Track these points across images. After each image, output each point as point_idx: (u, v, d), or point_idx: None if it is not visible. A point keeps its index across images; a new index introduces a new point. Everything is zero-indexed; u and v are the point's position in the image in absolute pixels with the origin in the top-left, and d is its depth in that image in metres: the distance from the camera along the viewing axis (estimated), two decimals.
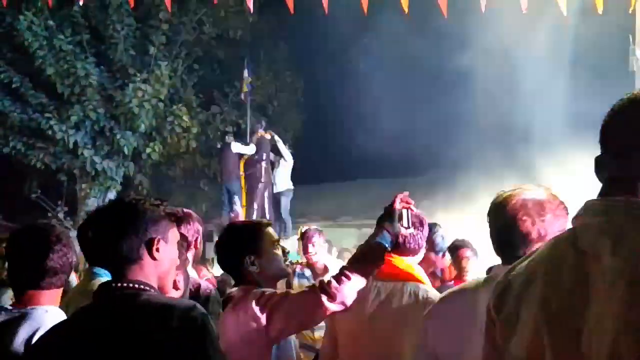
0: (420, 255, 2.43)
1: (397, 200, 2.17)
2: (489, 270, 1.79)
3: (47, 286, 1.92)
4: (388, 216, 2.16)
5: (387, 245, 2.13)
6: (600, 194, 1.13)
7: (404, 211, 2.18)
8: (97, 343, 1.49)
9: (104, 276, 2.14)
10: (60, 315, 1.91)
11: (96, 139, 11.67)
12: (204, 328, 1.47)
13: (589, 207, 1.13)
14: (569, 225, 1.19)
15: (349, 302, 2.09)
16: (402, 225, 2.18)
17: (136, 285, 1.56)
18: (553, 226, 1.64)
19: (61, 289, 1.97)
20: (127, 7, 11.00)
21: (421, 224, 2.43)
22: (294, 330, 2.21)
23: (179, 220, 1.72)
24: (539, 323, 1.09)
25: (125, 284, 1.56)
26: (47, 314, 1.88)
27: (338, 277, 2.08)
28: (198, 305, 1.52)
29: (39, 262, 1.90)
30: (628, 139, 1.10)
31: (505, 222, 1.68)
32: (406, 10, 7.59)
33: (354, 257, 2.16)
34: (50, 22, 11.04)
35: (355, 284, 2.08)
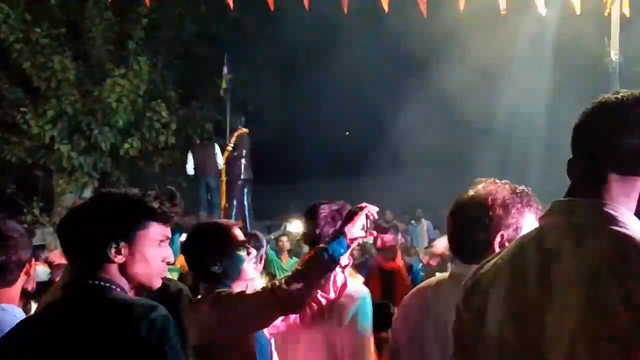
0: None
1: (365, 210, 2.17)
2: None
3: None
4: (349, 221, 2.16)
5: (342, 251, 2.13)
6: (567, 195, 1.15)
7: (363, 217, 2.18)
8: (58, 339, 1.47)
9: None
10: (17, 314, 1.88)
11: (73, 134, 11.51)
12: (163, 330, 1.44)
13: (554, 207, 1.15)
14: (536, 222, 1.21)
15: (299, 304, 2.13)
16: (361, 230, 2.19)
17: (102, 283, 1.54)
18: (517, 222, 1.64)
19: (15, 287, 1.92)
20: (105, 1, 10.86)
21: (341, 218, 2.46)
22: (247, 330, 2.20)
23: (167, 217, 1.66)
24: (503, 319, 1.11)
25: (91, 281, 1.54)
26: (4, 312, 1.86)
27: (289, 280, 2.10)
28: (159, 307, 1.49)
29: None
30: (594, 142, 1.12)
31: (464, 221, 1.68)
32: (386, 9, 7.61)
33: (307, 260, 2.17)
34: (27, 16, 10.86)
35: (307, 286, 2.09)
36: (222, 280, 2.24)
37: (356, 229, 2.15)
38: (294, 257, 7.59)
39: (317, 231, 2.55)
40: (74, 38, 11.68)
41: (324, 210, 2.57)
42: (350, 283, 2.41)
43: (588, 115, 1.13)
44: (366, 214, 2.18)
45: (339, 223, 2.47)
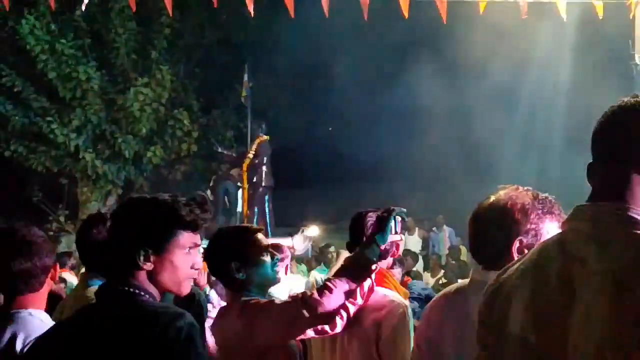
0: (389, 260, 2.40)
1: (393, 213, 2.12)
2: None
3: (23, 290, 1.89)
4: (380, 228, 2.11)
5: (375, 259, 2.08)
6: (589, 200, 1.14)
7: (393, 220, 2.13)
8: (87, 345, 1.49)
9: (99, 281, 2.14)
10: (44, 318, 1.91)
11: (97, 142, 11.68)
12: (189, 338, 1.44)
13: (577, 212, 1.14)
14: (558, 228, 1.20)
15: (330, 315, 2.05)
16: (392, 234, 2.14)
17: (131, 290, 1.55)
18: (537, 228, 1.63)
19: (41, 292, 1.95)
20: (129, 12, 11.02)
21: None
22: (277, 340, 2.15)
23: (197, 224, 1.62)
24: (526, 324, 1.11)
25: (120, 287, 1.56)
26: (31, 317, 1.89)
27: (321, 290, 2.05)
28: (186, 315, 1.49)
29: (4, 267, 1.87)
30: (616, 146, 1.11)
31: (483, 226, 1.68)
32: (406, 15, 7.60)
33: (341, 269, 2.12)
34: (52, 26, 11.07)
35: (338, 297, 2.03)
36: (247, 286, 2.19)
37: (387, 234, 2.10)
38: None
39: (365, 239, 2.53)
40: (99, 48, 11.87)
41: (371, 217, 2.50)
42: (391, 294, 2.30)
43: (608, 119, 1.13)
44: (395, 217, 2.13)
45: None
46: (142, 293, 1.55)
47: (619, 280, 1.00)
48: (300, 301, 2.05)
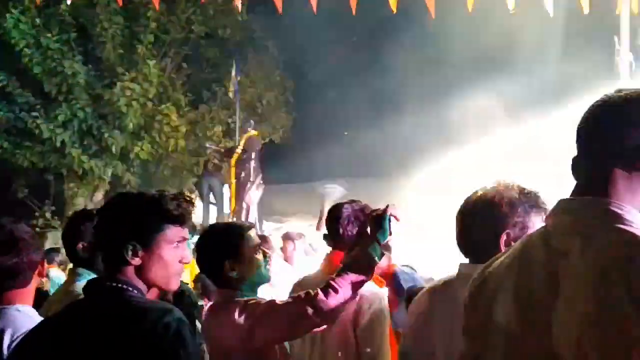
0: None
1: (388, 212, 2.09)
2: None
3: (10, 286, 1.88)
4: (379, 226, 2.08)
5: (377, 258, 2.07)
6: (573, 193, 1.16)
7: (388, 219, 2.11)
8: (75, 341, 1.49)
9: (87, 276, 2.14)
10: (32, 314, 1.90)
11: (84, 138, 11.61)
12: (178, 334, 1.43)
13: (560, 205, 1.16)
14: (543, 222, 1.22)
15: (335, 316, 2.04)
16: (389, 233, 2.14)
17: (119, 285, 1.55)
18: (524, 222, 1.64)
19: (28, 288, 1.94)
20: (115, 6, 10.94)
21: (365, 217, 2.44)
22: (279, 341, 2.15)
23: (184, 218, 1.63)
24: (511, 317, 1.12)
25: (108, 283, 1.56)
26: (19, 313, 1.88)
27: (325, 290, 2.02)
28: (175, 310, 1.49)
29: None
30: (599, 140, 1.13)
31: (470, 219, 1.69)
32: (394, 10, 7.61)
33: (343, 268, 2.09)
34: (37, 21, 10.96)
35: (343, 297, 2.02)
36: (239, 285, 2.16)
37: (387, 232, 2.08)
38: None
39: (341, 231, 2.53)
40: (85, 43, 11.78)
41: (347, 210, 2.55)
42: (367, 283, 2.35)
43: (591, 113, 1.14)
44: (389, 216, 2.10)
45: (362, 224, 2.45)
46: (130, 288, 1.55)
47: (601, 274, 1.01)
48: (305, 301, 2.01)
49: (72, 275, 2.39)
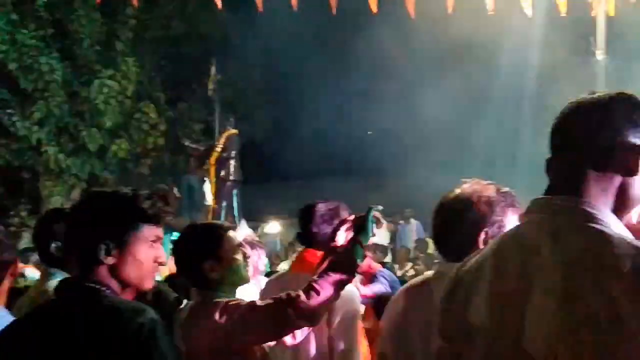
0: None
1: (370, 215, 2.09)
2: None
3: None
4: (361, 227, 2.07)
5: (359, 260, 2.06)
6: (546, 193, 1.18)
7: (371, 221, 2.10)
8: (46, 341, 1.47)
9: (59, 277, 2.10)
10: (4, 314, 1.88)
11: (60, 135, 11.46)
12: (151, 335, 1.42)
13: (534, 205, 1.18)
14: (517, 221, 1.24)
15: (316, 317, 2.03)
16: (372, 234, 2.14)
17: (91, 285, 1.52)
18: (501, 220, 1.66)
19: (1, 288, 1.91)
20: (93, 2, 10.80)
21: (338, 216, 2.49)
22: (259, 342, 2.13)
23: (159, 217, 1.62)
24: (485, 316, 1.13)
25: (81, 283, 1.53)
26: None
27: (307, 291, 2.00)
28: (148, 310, 1.47)
29: None
30: (572, 142, 1.15)
31: (449, 218, 1.70)
32: (374, 10, 7.63)
33: (325, 269, 2.07)
34: (13, 16, 10.78)
35: (325, 298, 2.00)
36: (219, 287, 2.13)
37: (369, 233, 2.08)
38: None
39: (314, 230, 2.54)
40: (61, 39, 11.61)
41: (321, 209, 2.56)
42: None
43: (564, 115, 1.17)
44: (372, 216, 2.10)
45: (337, 222, 2.46)
46: (104, 288, 1.53)
47: (569, 273, 1.03)
48: (286, 302, 1.99)
49: (45, 276, 2.35)
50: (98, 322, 1.46)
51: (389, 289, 3.36)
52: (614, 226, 1.09)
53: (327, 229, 2.50)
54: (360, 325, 2.49)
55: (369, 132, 15.50)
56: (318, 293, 1.99)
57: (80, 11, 11.27)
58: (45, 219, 2.39)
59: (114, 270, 1.55)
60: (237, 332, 2.01)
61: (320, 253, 2.49)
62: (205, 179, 11.21)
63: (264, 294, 2.66)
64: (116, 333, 1.42)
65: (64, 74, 11.23)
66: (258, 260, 4.98)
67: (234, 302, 2.07)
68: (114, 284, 1.55)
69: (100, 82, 11.11)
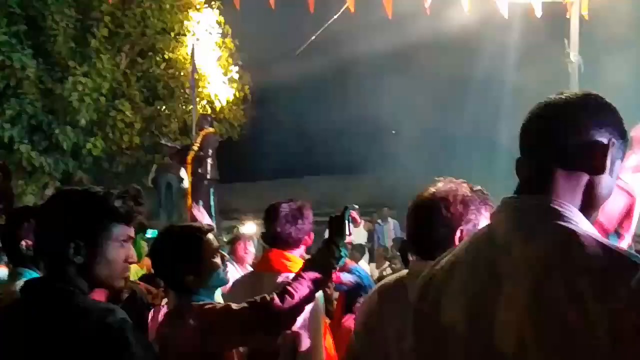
0: (301, 249, 2.59)
1: (347, 215, 2.09)
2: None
3: None
4: (338, 228, 2.07)
5: (336, 261, 2.06)
6: (516, 192, 1.19)
7: (347, 221, 2.11)
8: (12, 343, 1.44)
9: (28, 276, 2.06)
10: None
11: (33, 133, 11.25)
12: (120, 335, 1.41)
13: (504, 204, 1.19)
14: (488, 221, 1.24)
15: (291, 320, 2.04)
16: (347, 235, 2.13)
17: (59, 285, 1.50)
18: (476, 219, 1.67)
19: None
20: None
21: (302, 216, 2.55)
22: (234, 346, 2.12)
23: (130, 217, 1.59)
24: (457, 315, 1.14)
25: (49, 283, 1.50)
26: None
27: (281, 294, 2.00)
28: (117, 311, 1.45)
29: None
30: (540, 141, 1.16)
31: (424, 217, 1.70)
32: (352, 10, 7.64)
33: (300, 271, 2.08)
34: None
35: (299, 301, 2.01)
36: (196, 290, 2.11)
37: (345, 234, 2.08)
38: None
39: (278, 229, 2.56)
40: (35, 35, 11.40)
41: (285, 208, 2.57)
42: None
43: (534, 115, 1.18)
44: (349, 216, 2.10)
45: (300, 222, 2.50)
46: (72, 288, 1.50)
47: (540, 270, 1.03)
48: (261, 306, 1.99)
49: (14, 275, 2.30)
50: (65, 323, 1.43)
51: (363, 283, 3.40)
52: (583, 224, 1.11)
53: (291, 229, 2.55)
54: (325, 320, 2.51)
55: (393, 132, 15.26)
56: (292, 296, 1.99)
57: (54, 7, 11.07)
58: (13, 218, 2.33)
59: (84, 270, 1.52)
60: (210, 336, 1.99)
61: (284, 253, 2.53)
62: (183, 177, 11.12)
63: (230, 294, 2.66)
64: (84, 333, 1.40)
65: (37, 71, 11.03)
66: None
67: (209, 306, 2.06)
68: (83, 284, 1.53)
69: (74, 79, 10.93)
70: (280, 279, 2.40)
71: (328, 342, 2.60)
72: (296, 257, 2.57)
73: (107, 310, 1.44)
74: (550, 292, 1.00)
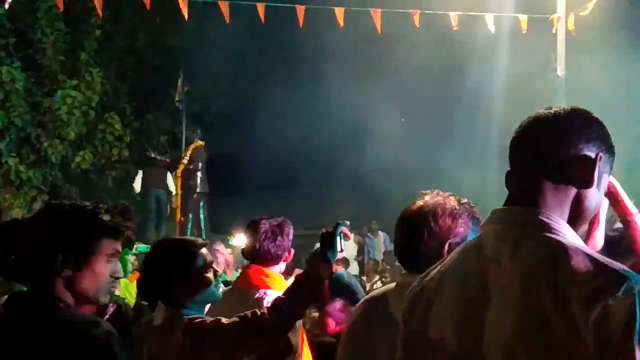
0: (281, 265, 2.62)
1: (338, 230, 2.07)
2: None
3: None
4: (329, 244, 2.05)
5: (326, 277, 2.05)
6: (505, 204, 1.20)
7: (339, 237, 2.09)
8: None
9: (19, 289, 2.04)
10: None
11: (21, 146, 11.19)
12: (105, 347, 1.40)
13: (493, 216, 1.20)
14: (477, 233, 1.25)
15: (280, 335, 2.04)
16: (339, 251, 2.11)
17: (45, 298, 1.49)
18: (464, 231, 1.67)
19: None
20: (57, 11, 10.60)
21: (282, 233, 2.57)
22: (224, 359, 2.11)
23: (118, 232, 1.60)
24: (446, 327, 1.14)
25: (34, 296, 1.49)
26: None
27: (272, 309, 2.00)
28: (102, 323, 1.45)
29: None
30: (529, 154, 1.18)
31: (413, 230, 1.70)
32: (341, 24, 7.70)
33: (292, 286, 2.08)
34: None
35: (289, 316, 2.01)
36: (187, 304, 2.09)
37: (337, 250, 2.06)
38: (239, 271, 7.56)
39: (257, 246, 2.57)
40: (24, 48, 11.37)
41: (264, 225, 2.59)
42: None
43: (523, 129, 1.20)
44: (340, 233, 2.08)
45: (280, 238, 2.54)
46: (57, 302, 1.49)
47: (528, 281, 1.05)
48: (251, 321, 1.98)
49: (3, 286, 2.28)
50: (50, 335, 1.42)
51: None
52: (570, 236, 1.12)
53: (270, 245, 2.57)
54: (301, 333, 2.52)
55: (402, 119, 14.96)
56: (282, 311, 1.99)
57: (44, 21, 11.06)
58: (1, 230, 2.31)
59: (70, 284, 1.52)
60: (200, 351, 1.98)
61: (263, 269, 2.54)
62: (172, 190, 11.09)
63: (209, 310, 2.65)
64: (70, 346, 1.39)
65: (26, 84, 10.98)
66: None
67: (199, 320, 2.05)
68: (69, 298, 1.52)
69: (63, 92, 10.90)
70: (257, 295, 2.42)
71: (306, 357, 2.59)
72: (275, 274, 2.59)
73: (93, 323, 1.44)
74: (539, 304, 1.01)
